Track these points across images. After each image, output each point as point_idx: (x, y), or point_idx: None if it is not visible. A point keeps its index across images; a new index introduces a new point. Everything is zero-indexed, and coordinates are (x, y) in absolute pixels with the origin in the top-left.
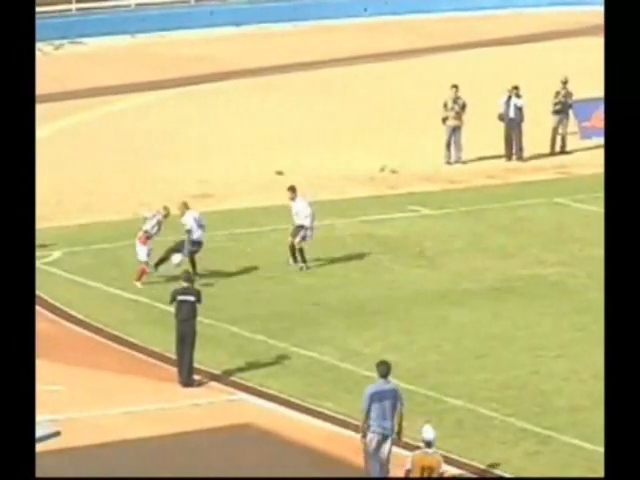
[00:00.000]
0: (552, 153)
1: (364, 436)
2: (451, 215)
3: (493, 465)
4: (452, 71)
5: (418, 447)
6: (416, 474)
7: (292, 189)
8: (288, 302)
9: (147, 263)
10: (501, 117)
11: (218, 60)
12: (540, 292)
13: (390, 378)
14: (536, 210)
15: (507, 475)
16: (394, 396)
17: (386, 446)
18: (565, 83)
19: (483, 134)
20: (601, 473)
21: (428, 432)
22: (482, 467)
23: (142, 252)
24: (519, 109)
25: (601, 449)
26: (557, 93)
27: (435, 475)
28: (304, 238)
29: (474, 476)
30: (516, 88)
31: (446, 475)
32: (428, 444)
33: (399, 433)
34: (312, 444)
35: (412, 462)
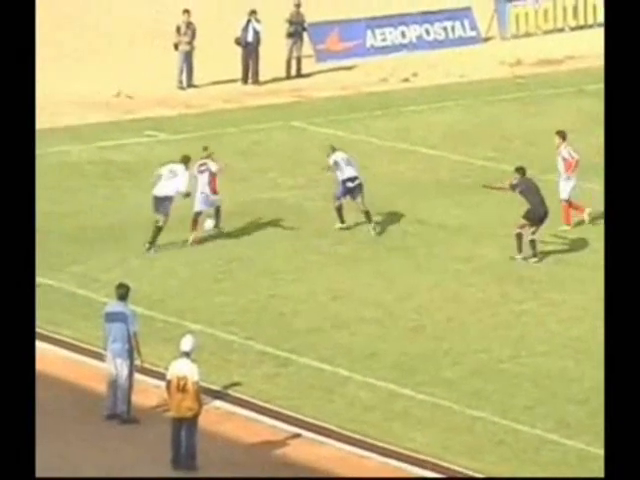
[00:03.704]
0: (288, 77)
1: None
2: (188, 140)
3: (233, 388)
4: None
5: (163, 373)
6: (173, 384)
7: None
8: None
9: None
10: (238, 41)
11: None
12: (277, 215)
13: (127, 302)
14: (272, 134)
15: (250, 398)
16: (123, 319)
17: (117, 369)
18: (298, 6)
19: (219, 58)
20: (342, 394)
21: (186, 343)
22: (220, 390)
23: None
24: (257, 33)
25: (343, 371)
26: (291, 16)
27: (190, 384)
28: None
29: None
30: (254, 12)
31: (196, 386)
32: (186, 354)
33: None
34: (48, 371)
35: (170, 372)
